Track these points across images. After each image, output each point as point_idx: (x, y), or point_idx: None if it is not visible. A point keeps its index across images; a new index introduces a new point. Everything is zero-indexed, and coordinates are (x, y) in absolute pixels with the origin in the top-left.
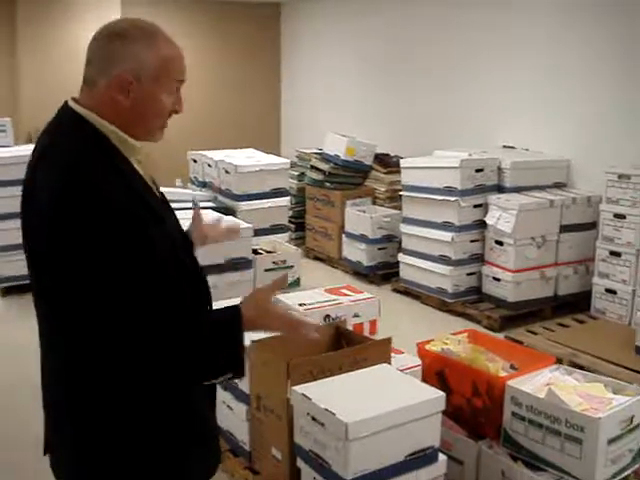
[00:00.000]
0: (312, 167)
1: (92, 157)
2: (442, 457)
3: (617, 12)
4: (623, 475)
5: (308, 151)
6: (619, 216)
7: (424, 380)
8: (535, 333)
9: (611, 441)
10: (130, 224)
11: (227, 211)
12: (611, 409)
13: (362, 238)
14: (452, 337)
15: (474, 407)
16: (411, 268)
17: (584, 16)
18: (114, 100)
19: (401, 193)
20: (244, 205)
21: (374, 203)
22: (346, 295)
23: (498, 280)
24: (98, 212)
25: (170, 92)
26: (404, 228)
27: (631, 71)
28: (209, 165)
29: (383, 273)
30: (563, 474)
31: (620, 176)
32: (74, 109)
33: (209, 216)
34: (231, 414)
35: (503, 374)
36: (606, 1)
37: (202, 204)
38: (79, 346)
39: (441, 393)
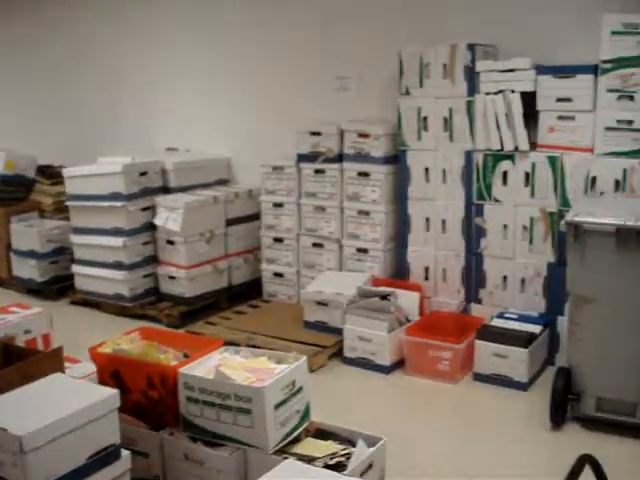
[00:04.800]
0: None
1: None
2: (125, 453)
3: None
4: (294, 435)
5: None
6: (277, 205)
7: (101, 383)
8: (214, 324)
9: (277, 406)
10: None
11: None
12: (274, 377)
13: (31, 254)
14: (124, 337)
15: (152, 399)
16: (86, 278)
17: (229, 16)
18: None
19: (67, 203)
20: None
21: (42, 216)
22: (14, 313)
23: (173, 278)
24: None
25: None
26: (74, 238)
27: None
28: None
29: (59, 287)
30: (240, 445)
31: (274, 168)
32: None
33: None
34: None
35: (175, 363)
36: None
37: None
38: None
39: (114, 391)
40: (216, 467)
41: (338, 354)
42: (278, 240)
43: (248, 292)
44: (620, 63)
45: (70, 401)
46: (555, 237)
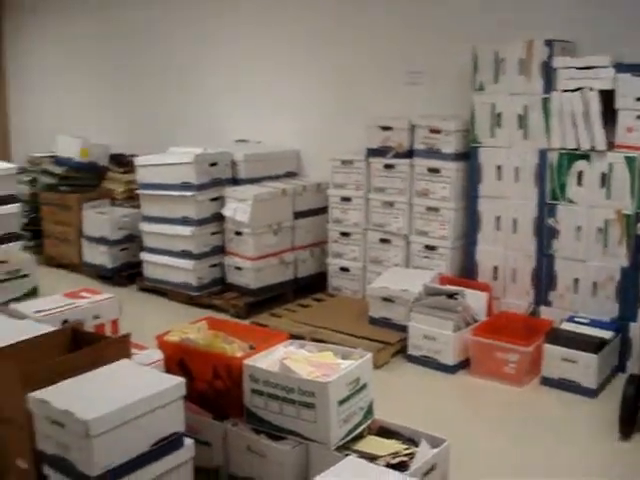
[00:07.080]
0: (44, 171)
1: None
2: (188, 441)
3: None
4: (357, 432)
5: (40, 155)
6: (345, 199)
7: (167, 371)
8: (279, 316)
9: (341, 402)
10: None
11: None
12: (339, 373)
13: (102, 240)
14: (191, 326)
15: (216, 390)
16: (155, 266)
17: (298, 11)
18: None
19: (138, 191)
20: None
21: (113, 204)
22: (84, 298)
23: (240, 269)
24: None
25: None
26: (144, 226)
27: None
28: None
29: (128, 274)
30: (302, 439)
31: (343, 162)
32: None
33: None
34: None
35: (241, 354)
36: None
37: None
38: None
39: (180, 379)
40: (278, 460)
41: (402, 351)
42: (345, 234)
43: (313, 285)
44: None
45: (137, 388)
46: (630, 240)
